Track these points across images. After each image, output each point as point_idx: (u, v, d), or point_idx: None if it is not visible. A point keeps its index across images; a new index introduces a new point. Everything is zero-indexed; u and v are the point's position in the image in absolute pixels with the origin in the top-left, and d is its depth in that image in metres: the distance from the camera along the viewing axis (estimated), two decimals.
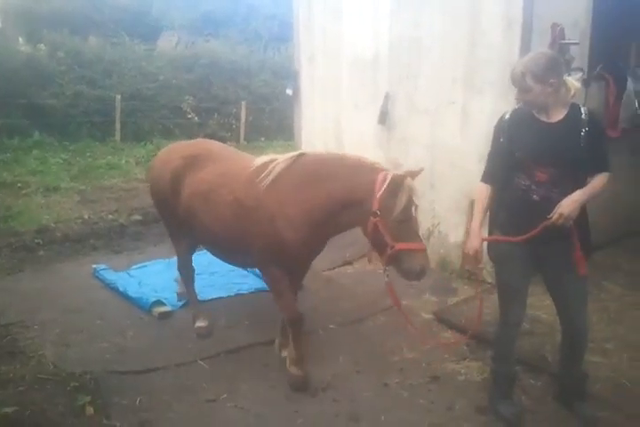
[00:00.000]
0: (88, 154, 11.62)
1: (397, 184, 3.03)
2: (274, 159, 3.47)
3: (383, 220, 3.07)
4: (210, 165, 3.85)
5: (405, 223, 3.10)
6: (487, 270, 5.06)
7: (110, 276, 5.24)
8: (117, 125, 13.26)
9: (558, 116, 2.92)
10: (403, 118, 5.96)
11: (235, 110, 15.01)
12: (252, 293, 5.05)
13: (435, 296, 4.95)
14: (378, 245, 3.19)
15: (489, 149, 3.21)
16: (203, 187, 3.76)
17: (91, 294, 4.98)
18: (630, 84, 5.64)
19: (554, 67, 2.85)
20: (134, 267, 5.59)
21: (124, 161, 11.29)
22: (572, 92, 2.93)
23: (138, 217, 7.27)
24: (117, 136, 13.27)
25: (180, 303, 4.73)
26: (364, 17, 6.27)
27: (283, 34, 18.91)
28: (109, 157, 11.48)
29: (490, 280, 5.04)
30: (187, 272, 4.42)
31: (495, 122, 3.19)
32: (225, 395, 3.47)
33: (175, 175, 3.97)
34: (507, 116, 3.09)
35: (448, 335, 4.28)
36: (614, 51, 6.45)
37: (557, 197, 2.84)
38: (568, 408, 3.29)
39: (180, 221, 4.06)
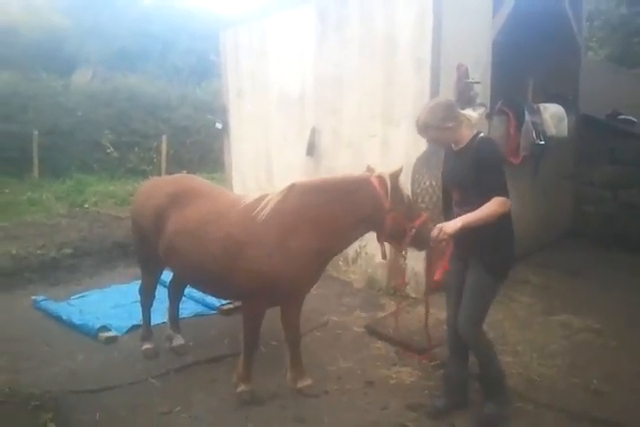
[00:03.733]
0: (7, 190, 11.39)
1: (396, 180, 3.40)
2: (265, 195, 3.57)
3: (396, 212, 3.39)
4: (195, 202, 3.86)
5: (408, 204, 3.49)
6: (410, 286, 5.55)
7: (51, 306, 5.31)
8: (35, 161, 13.00)
9: (462, 144, 3.38)
10: (329, 150, 6.40)
11: (155, 144, 14.80)
12: (192, 317, 5.27)
13: (364, 312, 5.34)
14: (397, 234, 3.44)
15: None
16: (189, 224, 3.74)
17: (34, 323, 5.05)
18: (528, 117, 6.33)
19: (449, 113, 3.28)
20: (73, 297, 5.67)
21: (44, 197, 11.09)
22: (473, 122, 3.43)
23: (68, 250, 7.27)
24: (35, 172, 13.01)
25: (125, 329, 4.89)
26: (290, 57, 6.72)
27: (202, 68, 19.25)
28: (29, 193, 11.24)
29: (413, 295, 5.53)
30: (148, 298, 4.53)
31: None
32: (178, 407, 3.67)
33: (159, 212, 3.94)
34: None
35: (379, 346, 4.65)
36: (513, 87, 7.25)
37: None
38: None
39: (159, 255, 4.01)
